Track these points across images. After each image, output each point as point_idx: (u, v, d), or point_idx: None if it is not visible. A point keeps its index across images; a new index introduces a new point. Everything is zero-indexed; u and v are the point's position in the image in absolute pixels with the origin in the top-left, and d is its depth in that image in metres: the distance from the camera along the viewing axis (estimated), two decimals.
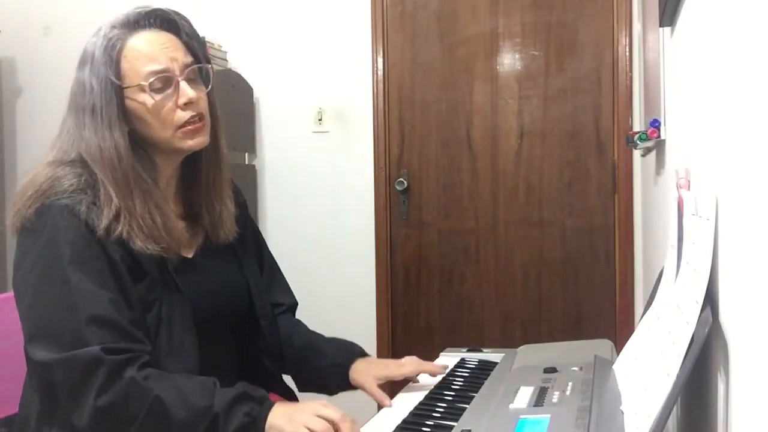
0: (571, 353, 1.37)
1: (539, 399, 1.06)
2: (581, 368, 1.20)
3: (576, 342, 1.69)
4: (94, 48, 1.26)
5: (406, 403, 1.29)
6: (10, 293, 1.49)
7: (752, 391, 0.63)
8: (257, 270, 1.50)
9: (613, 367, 1.14)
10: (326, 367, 1.44)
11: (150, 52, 1.26)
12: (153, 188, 1.27)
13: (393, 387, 1.40)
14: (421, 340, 3.23)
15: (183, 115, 1.27)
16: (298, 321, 1.56)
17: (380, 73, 3.22)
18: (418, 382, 1.41)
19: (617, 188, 3.05)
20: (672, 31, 1.48)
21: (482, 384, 1.33)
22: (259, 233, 1.59)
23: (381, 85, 3.22)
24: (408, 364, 1.39)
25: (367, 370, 1.41)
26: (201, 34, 1.39)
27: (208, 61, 1.36)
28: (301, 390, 1.53)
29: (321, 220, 3.28)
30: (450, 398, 1.30)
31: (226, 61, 3.16)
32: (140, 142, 1.28)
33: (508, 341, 3.06)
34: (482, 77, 3.17)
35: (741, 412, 0.68)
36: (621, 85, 3.02)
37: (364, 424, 1.21)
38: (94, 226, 1.20)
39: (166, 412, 1.13)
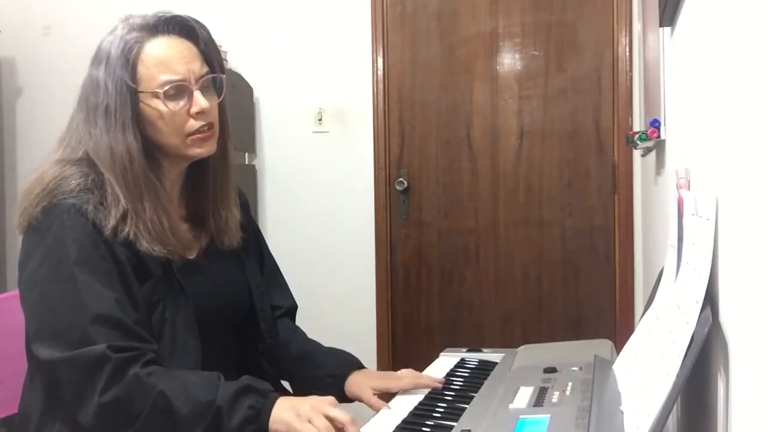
0: (571, 353, 1.37)
1: (539, 399, 1.06)
2: (581, 368, 1.19)
3: (576, 342, 1.69)
4: (111, 47, 1.26)
5: (405, 403, 1.29)
6: (11, 293, 1.49)
7: (752, 391, 0.63)
8: (258, 271, 1.51)
9: (613, 367, 1.14)
10: (322, 378, 1.44)
11: (167, 60, 1.26)
12: (161, 191, 1.28)
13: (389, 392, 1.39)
14: (421, 340, 3.23)
15: (194, 124, 1.28)
16: (297, 328, 1.56)
17: (380, 73, 3.22)
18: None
19: (617, 188, 3.05)
20: (672, 31, 1.48)
21: (482, 384, 1.32)
22: (260, 233, 1.59)
23: (381, 85, 3.22)
24: (405, 377, 1.38)
25: (364, 382, 1.40)
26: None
27: (223, 71, 1.36)
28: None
29: (321, 220, 3.28)
30: (450, 398, 1.30)
31: (226, 61, 3.16)
32: (149, 146, 1.28)
33: (508, 341, 3.06)
34: (482, 77, 3.17)
35: (741, 412, 0.68)
36: (621, 85, 3.02)
37: (364, 424, 1.20)
38: (101, 226, 1.20)
39: (170, 407, 1.13)
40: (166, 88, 1.25)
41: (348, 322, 3.20)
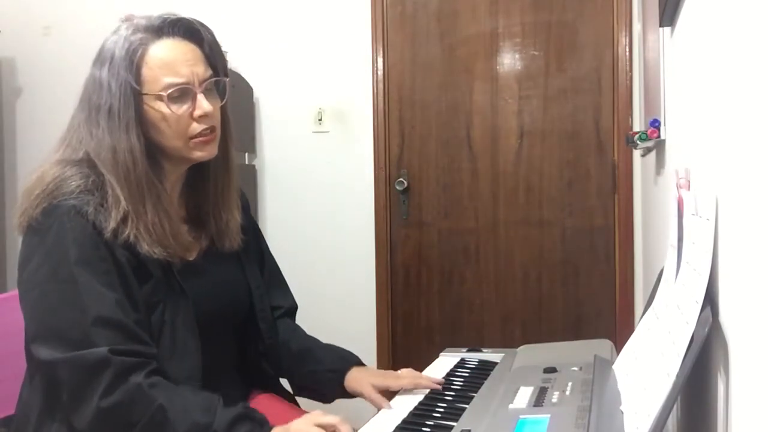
0: (571, 353, 1.37)
1: (539, 399, 1.06)
2: (581, 368, 1.19)
3: (576, 342, 1.69)
4: (114, 48, 1.26)
5: (405, 403, 1.29)
6: (11, 293, 1.49)
7: (752, 391, 0.63)
8: (258, 272, 1.50)
9: (613, 367, 1.14)
10: (321, 373, 1.44)
11: (172, 63, 1.26)
12: (163, 193, 1.28)
13: (390, 391, 1.39)
14: (421, 340, 3.23)
15: (196, 127, 1.28)
16: (297, 326, 1.56)
17: (380, 73, 3.22)
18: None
19: (617, 188, 3.05)
20: (672, 31, 1.48)
21: (482, 384, 1.32)
22: (260, 233, 1.59)
23: (381, 85, 3.22)
24: (405, 377, 1.38)
25: (365, 378, 1.40)
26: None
27: (226, 75, 1.36)
28: (296, 394, 1.53)
29: (321, 220, 3.28)
30: (450, 398, 1.30)
31: (226, 61, 3.15)
32: (150, 147, 1.28)
33: (508, 341, 3.06)
34: (482, 77, 3.17)
35: (741, 412, 0.68)
36: (621, 85, 3.02)
37: (364, 424, 1.20)
38: (102, 227, 1.20)
39: (167, 422, 1.13)
40: (170, 90, 1.25)
41: (348, 322, 3.20)
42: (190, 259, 1.35)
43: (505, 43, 3.16)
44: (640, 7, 2.50)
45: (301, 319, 1.58)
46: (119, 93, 1.24)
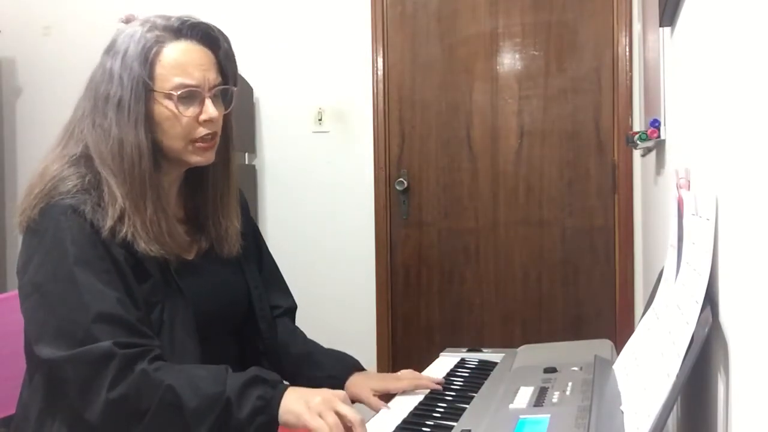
0: (571, 353, 1.37)
1: (539, 399, 1.06)
2: (581, 368, 1.19)
3: (576, 342, 1.69)
4: (129, 41, 1.26)
5: (405, 403, 1.29)
6: (11, 293, 1.49)
7: (752, 391, 0.63)
8: (257, 271, 1.50)
9: (613, 367, 1.14)
10: (321, 378, 1.43)
11: (185, 65, 1.26)
12: (162, 192, 1.28)
13: (389, 394, 1.39)
14: (421, 340, 3.23)
15: (200, 131, 1.29)
16: (296, 328, 1.55)
17: (380, 73, 3.22)
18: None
19: (617, 188, 3.05)
20: (672, 31, 1.48)
21: (482, 384, 1.32)
22: (259, 233, 1.59)
23: (381, 85, 3.22)
24: (405, 378, 1.38)
25: (364, 383, 1.40)
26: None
27: (236, 84, 1.37)
28: None
29: (321, 220, 3.28)
30: (450, 398, 1.30)
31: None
32: (151, 145, 1.28)
33: (508, 341, 3.06)
34: (482, 77, 3.17)
35: (741, 412, 0.68)
36: (621, 85, 3.02)
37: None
38: (99, 226, 1.20)
39: (178, 401, 1.12)
40: (181, 91, 1.25)
41: (348, 322, 3.20)
42: (189, 258, 1.35)
43: (505, 43, 3.16)
44: (640, 7, 2.50)
45: (300, 320, 1.58)
46: (131, 87, 1.24)
